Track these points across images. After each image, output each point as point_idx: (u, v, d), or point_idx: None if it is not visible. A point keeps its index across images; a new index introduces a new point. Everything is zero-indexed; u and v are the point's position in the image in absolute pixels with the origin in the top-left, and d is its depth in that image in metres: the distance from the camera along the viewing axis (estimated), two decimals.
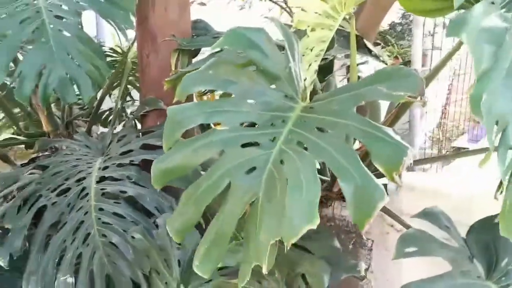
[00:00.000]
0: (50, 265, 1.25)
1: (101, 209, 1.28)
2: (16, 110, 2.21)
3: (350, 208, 0.63)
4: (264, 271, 0.65)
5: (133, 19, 1.38)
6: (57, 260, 1.25)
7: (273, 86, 0.81)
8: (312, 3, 1.03)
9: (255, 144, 0.76)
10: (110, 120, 2.33)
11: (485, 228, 0.98)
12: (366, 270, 1.36)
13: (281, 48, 0.89)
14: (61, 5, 1.31)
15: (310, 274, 0.90)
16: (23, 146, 2.20)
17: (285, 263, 0.93)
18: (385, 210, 1.33)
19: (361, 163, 0.65)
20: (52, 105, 2.23)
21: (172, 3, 1.53)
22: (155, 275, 1.10)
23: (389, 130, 0.64)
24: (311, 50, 1.07)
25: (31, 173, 1.56)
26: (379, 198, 0.61)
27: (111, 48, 2.51)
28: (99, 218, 1.26)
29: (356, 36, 1.17)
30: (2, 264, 1.31)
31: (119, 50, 2.47)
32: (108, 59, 2.35)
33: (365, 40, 1.58)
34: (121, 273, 1.18)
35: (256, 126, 0.79)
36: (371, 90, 0.71)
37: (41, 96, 1.18)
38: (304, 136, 0.72)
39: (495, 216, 1.02)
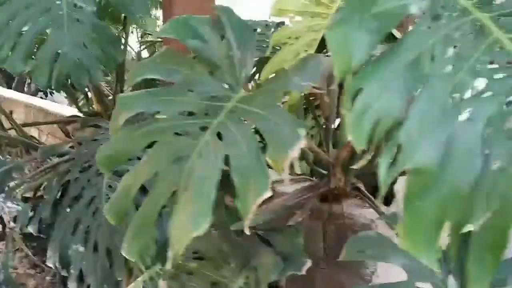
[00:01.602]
0: (67, 235, 1.38)
1: (110, 186, 1.38)
2: None
3: None
4: (169, 266, 0.66)
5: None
6: (71, 231, 1.37)
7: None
8: None
9: (186, 133, 0.76)
10: None
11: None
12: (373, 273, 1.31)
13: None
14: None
15: (261, 266, 0.89)
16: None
17: (242, 254, 0.94)
18: None
19: (265, 165, 0.62)
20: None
21: None
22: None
23: (287, 123, 0.61)
24: (297, 38, 1.03)
25: (69, 149, 1.72)
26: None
27: None
28: (107, 195, 1.36)
29: None
30: (32, 231, 1.48)
31: None
32: None
33: None
34: (117, 247, 1.26)
35: (194, 115, 0.80)
36: (290, 80, 0.68)
37: (54, 80, 1.28)
38: (226, 128, 0.71)
39: None
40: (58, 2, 1.35)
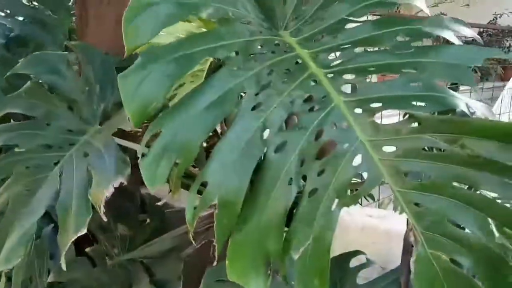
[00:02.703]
0: None
1: None
2: None
3: None
4: None
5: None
6: None
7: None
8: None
9: (39, 166, 0.78)
10: None
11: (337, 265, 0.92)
12: None
13: None
14: None
15: None
16: None
17: (121, 283, 0.96)
18: None
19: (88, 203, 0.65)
20: None
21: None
22: None
23: (113, 161, 0.64)
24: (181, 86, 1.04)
25: None
26: None
27: None
28: None
29: None
30: None
31: None
32: None
33: None
34: None
35: (51, 148, 0.82)
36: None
37: None
38: (69, 163, 0.74)
39: (348, 253, 0.95)
40: None
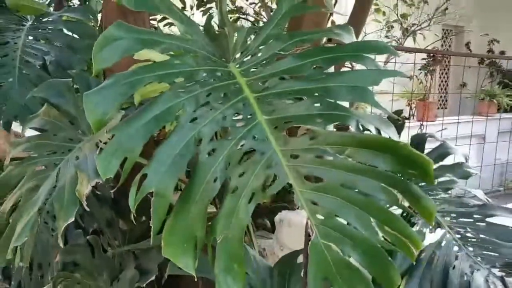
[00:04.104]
0: None
1: None
2: None
3: None
4: None
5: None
6: None
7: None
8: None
9: (45, 168, 1.00)
10: None
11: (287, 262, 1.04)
12: None
13: None
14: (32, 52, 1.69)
15: (123, 278, 1.09)
16: None
17: (112, 267, 1.14)
18: None
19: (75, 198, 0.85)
20: None
21: None
22: None
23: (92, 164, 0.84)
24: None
25: None
26: None
27: None
28: None
29: None
30: None
31: None
32: None
33: None
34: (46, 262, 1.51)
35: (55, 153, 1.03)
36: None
37: (3, 120, 1.56)
38: (66, 164, 0.95)
39: (297, 251, 1.07)
40: (12, 60, 1.65)
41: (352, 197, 0.73)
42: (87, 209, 0.85)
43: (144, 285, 1.10)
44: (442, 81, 7.90)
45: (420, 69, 5.31)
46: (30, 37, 1.72)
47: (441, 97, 7.83)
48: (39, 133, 1.10)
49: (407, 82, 5.38)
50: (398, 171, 0.66)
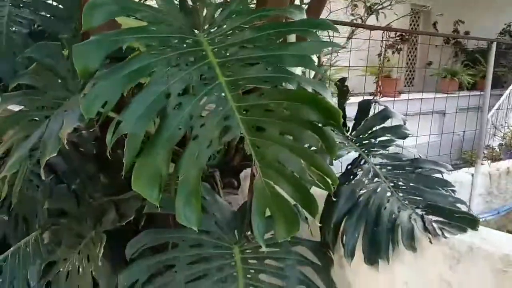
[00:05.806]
0: None
1: None
2: None
3: None
4: None
5: None
6: None
7: None
8: None
9: (36, 120, 1.15)
10: None
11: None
12: None
13: None
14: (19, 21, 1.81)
15: (105, 220, 1.25)
16: None
17: (95, 213, 1.29)
18: None
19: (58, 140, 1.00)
20: None
21: None
22: None
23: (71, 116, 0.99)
24: None
25: None
26: None
27: None
28: None
29: None
30: None
31: None
32: None
33: None
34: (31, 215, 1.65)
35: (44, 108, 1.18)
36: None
37: None
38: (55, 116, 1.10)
39: None
40: None
41: (288, 143, 0.88)
42: (67, 147, 0.98)
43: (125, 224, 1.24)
44: (409, 59, 8.06)
45: (381, 45, 5.55)
46: (14, 7, 1.82)
47: (408, 74, 7.95)
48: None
49: (375, 59, 5.66)
50: (319, 120, 0.82)
